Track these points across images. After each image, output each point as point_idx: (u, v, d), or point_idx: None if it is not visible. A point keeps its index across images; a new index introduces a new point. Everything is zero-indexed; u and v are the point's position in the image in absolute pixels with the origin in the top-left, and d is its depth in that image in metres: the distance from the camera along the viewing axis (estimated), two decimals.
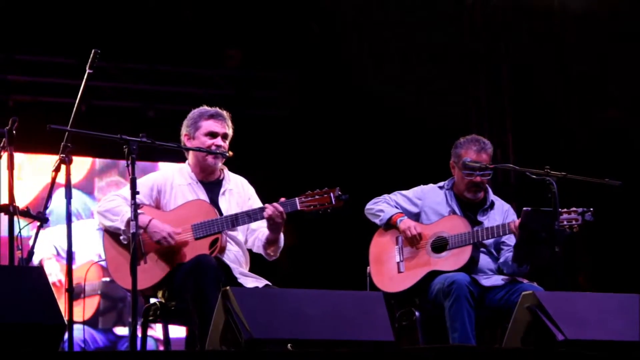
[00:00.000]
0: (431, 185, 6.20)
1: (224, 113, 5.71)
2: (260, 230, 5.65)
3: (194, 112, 5.72)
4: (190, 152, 5.69)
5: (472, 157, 5.99)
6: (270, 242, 5.58)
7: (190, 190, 5.64)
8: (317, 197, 5.42)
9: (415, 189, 6.21)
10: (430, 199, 6.12)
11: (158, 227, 5.45)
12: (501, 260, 6.00)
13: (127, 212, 5.30)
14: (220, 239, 5.45)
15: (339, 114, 9.10)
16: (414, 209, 6.13)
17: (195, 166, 5.70)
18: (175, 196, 5.62)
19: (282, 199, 5.46)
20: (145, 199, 5.55)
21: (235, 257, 5.58)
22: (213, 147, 5.61)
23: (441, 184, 6.17)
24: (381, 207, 6.10)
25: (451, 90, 8.86)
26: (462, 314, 5.65)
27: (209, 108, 5.72)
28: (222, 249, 5.48)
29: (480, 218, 6.05)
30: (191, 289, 5.24)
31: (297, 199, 5.43)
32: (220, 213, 5.55)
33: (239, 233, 5.64)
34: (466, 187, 6.04)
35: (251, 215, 5.48)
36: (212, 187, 5.68)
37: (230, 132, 5.69)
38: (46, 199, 5.17)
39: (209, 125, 5.65)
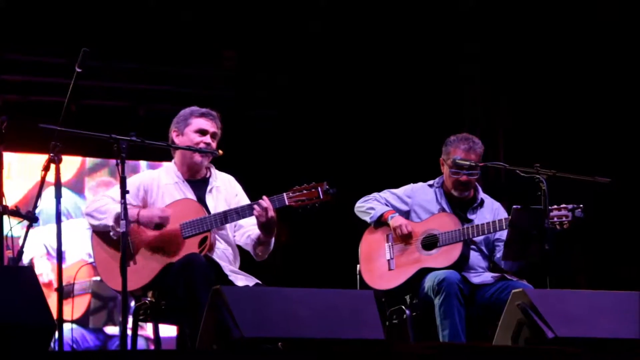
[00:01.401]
0: (421, 183, 6.20)
1: (214, 113, 5.73)
2: (249, 227, 5.65)
3: (185, 110, 5.75)
4: (177, 151, 5.69)
5: (460, 155, 5.99)
6: (260, 242, 5.59)
7: (177, 189, 5.63)
8: (305, 191, 5.42)
9: (405, 187, 6.22)
10: (420, 197, 6.13)
11: (148, 215, 5.46)
12: (497, 255, 6.00)
13: (115, 208, 5.32)
14: (209, 237, 5.45)
15: (330, 112, 9.09)
16: (404, 207, 6.13)
17: (182, 165, 5.70)
18: (162, 195, 5.62)
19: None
20: (132, 199, 5.54)
21: (224, 255, 5.58)
22: (201, 145, 5.61)
23: (431, 182, 6.17)
24: (372, 204, 6.11)
25: (445, 88, 8.87)
26: (452, 311, 5.66)
27: (200, 108, 5.73)
28: (212, 247, 5.48)
29: (470, 216, 6.06)
30: (182, 288, 5.24)
31: (285, 194, 5.43)
32: (208, 211, 5.54)
33: (228, 231, 5.64)
34: (453, 185, 6.04)
35: (240, 213, 5.48)
36: (199, 185, 5.68)
37: (219, 132, 5.70)
38: (36, 198, 5.16)
39: (199, 122, 5.66)
